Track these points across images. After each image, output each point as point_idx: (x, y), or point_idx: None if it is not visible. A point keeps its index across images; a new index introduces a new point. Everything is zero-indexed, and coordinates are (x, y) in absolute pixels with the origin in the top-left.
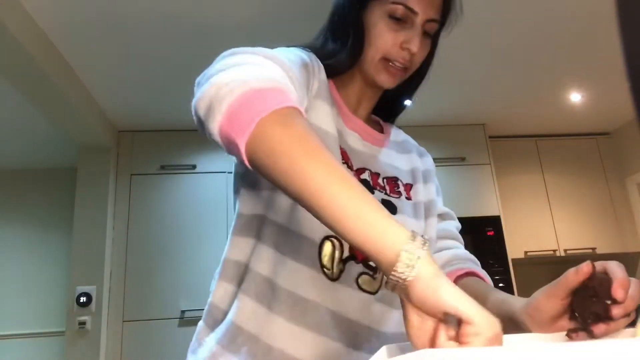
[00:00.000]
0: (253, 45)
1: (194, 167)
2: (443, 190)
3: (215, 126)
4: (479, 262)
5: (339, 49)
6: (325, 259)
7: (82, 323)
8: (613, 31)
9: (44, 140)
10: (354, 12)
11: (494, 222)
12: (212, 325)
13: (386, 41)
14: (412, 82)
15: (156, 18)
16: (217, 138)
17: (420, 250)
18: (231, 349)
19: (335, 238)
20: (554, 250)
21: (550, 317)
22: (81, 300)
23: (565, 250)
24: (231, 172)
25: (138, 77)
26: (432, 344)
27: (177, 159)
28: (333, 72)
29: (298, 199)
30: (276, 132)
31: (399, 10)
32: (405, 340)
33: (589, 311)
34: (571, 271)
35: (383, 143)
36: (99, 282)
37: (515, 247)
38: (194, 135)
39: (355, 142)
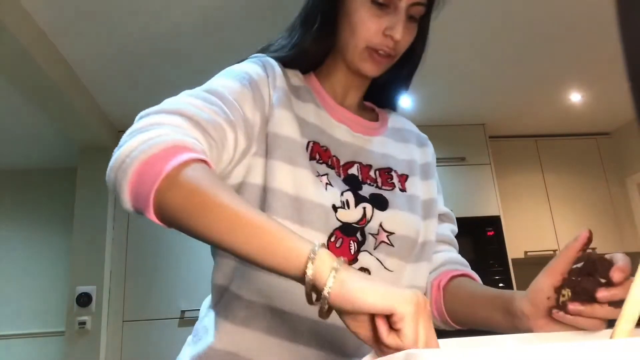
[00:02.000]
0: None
1: None
2: (443, 190)
3: (127, 206)
4: (469, 266)
5: (307, 39)
6: None
7: (82, 323)
8: (613, 31)
9: (44, 140)
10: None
11: (494, 222)
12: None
13: (369, 28)
14: (403, 69)
15: (156, 17)
16: (133, 212)
17: (328, 259)
18: None
19: None
20: (554, 250)
21: (550, 297)
22: (81, 300)
23: None
24: None
25: (138, 77)
26: (378, 341)
27: None
28: (308, 65)
29: (217, 246)
30: (170, 199)
31: None
32: None
33: (579, 285)
34: (571, 240)
35: (377, 131)
36: (99, 282)
37: (515, 247)
38: None
39: (344, 134)
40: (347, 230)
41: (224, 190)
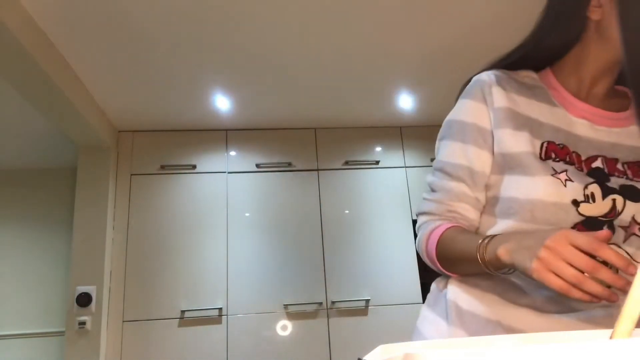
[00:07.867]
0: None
1: (194, 167)
2: None
3: (438, 268)
4: None
5: (550, 34)
6: None
7: (82, 323)
8: None
9: (44, 140)
10: None
11: None
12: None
13: None
14: None
15: (157, 18)
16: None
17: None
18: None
19: None
20: None
21: None
22: (81, 300)
23: None
24: (231, 172)
25: (138, 77)
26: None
27: (177, 159)
28: (544, 62)
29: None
30: (442, 262)
31: None
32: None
33: None
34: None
35: (625, 122)
36: (99, 282)
37: None
38: (194, 135)
39: (584, 130)
40: (591, 224)
41: (450, 244)
